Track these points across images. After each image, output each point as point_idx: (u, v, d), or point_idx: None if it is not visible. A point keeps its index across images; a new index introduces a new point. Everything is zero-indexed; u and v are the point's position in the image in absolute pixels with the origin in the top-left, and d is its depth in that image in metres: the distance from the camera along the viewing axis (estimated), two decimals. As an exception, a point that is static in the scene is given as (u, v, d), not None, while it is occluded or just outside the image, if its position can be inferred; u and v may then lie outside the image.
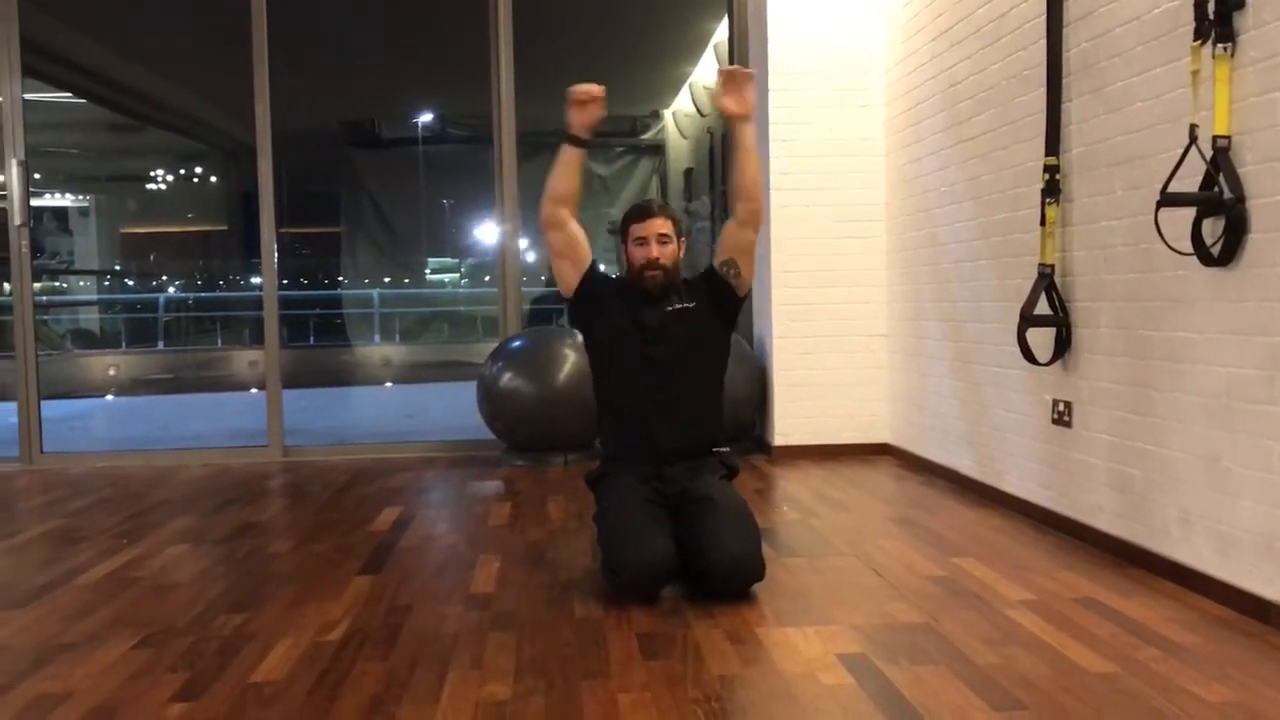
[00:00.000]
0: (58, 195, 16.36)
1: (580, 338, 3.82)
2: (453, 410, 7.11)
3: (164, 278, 17.58)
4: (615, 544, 2.98)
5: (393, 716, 2.19)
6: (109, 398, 12.42)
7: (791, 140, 5.36)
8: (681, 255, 3.26)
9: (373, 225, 13.91)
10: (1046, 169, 3.62)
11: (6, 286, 6.37)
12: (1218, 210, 2.76)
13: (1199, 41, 2.81)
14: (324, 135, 13.09)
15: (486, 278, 15.09)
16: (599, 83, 3.09)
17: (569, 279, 3.25)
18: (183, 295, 17.13)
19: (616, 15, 8.69)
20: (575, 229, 3.22)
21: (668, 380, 3.16)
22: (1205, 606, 2.80)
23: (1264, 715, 2.12)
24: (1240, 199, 2.70)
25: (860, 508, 4.21)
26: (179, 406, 10.66)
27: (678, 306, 3.21)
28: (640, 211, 3.26)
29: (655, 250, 3.17)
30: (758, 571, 2.97)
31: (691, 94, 9.95)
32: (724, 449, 3.27)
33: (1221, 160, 2.74)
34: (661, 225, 3.20)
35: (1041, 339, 3.66)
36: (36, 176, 13.38)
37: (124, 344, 15.40)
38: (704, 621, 2.76)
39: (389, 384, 13.60)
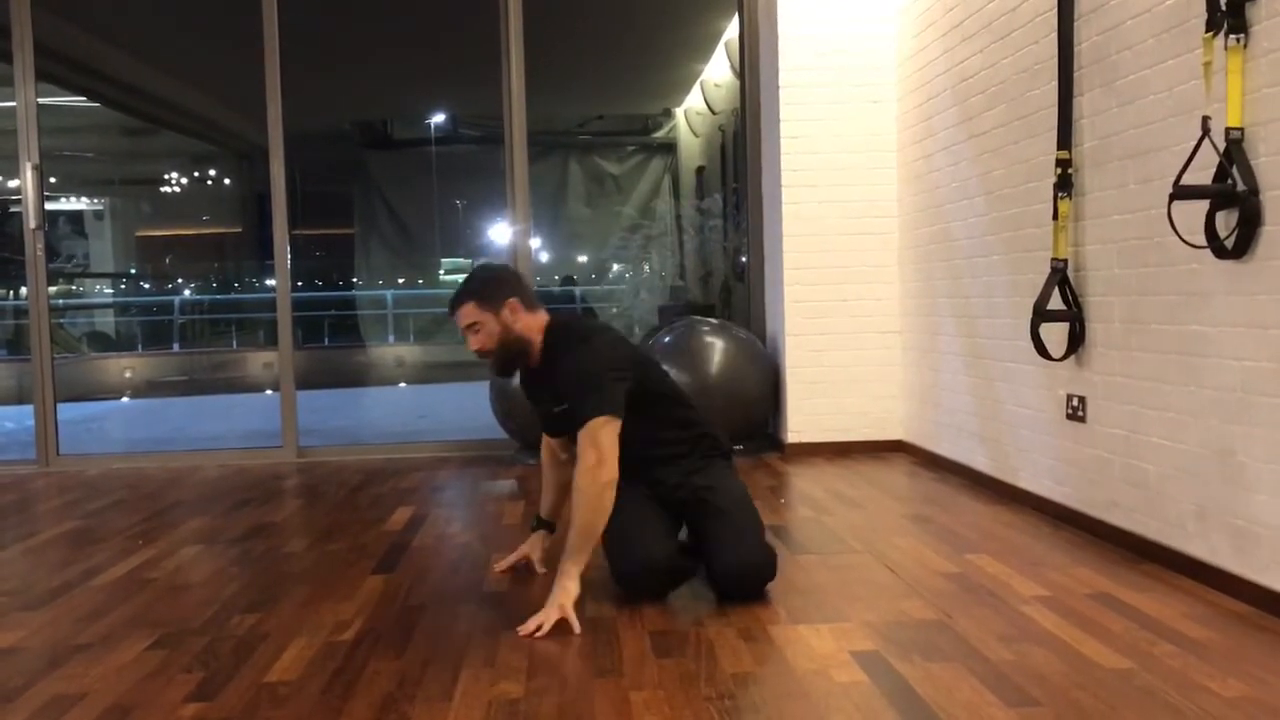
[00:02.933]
0: (73, 199, 16.44)
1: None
2: (466, 410, 7.11)
3: (179, 280, 17.65)
4: (617, 545, 2.95)
5: (406, 715, 2.19)
6: (125, 400, 12.48)
7: (803, 137, 5.35)
8: (513, 324, 2.96)
9: (386, 226, 13.94)
10: (1059, 163, 3.61)
11: (23, 290, 6.41)
12: (1231, 203, 2.74)
13: (1211, 33, 2.80)
14: (336, 136, 13.14)
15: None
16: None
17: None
18: (198, 297, 17.20)
19: (627, 14, 8.67)
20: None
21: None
22: (1221, 602, 2.79)
23: (1281, 711, 2.11)
24: (1254, 191, 2.68)
25: (874, 504, 4.20)
26: (194, 408, 10.71)
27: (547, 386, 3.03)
28: (450, 305, 3.03)
29: (472, 343, 2.99)
30: (769, 573, 2.95)
31: (703, 92, 9.94)
32: (710, 434, 3.15)
33: (1235, 152, 2.72)
34: (465, 317, 2.97)
35: (1055, 334, 3.64)
36: (51, 180, 13.47)
37: (139, 346, 15.48)
38: (717, 619, 2.76)
39: (403, 384, 13.63)
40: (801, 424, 5.37)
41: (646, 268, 11.89)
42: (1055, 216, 3.62)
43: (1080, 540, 3.49)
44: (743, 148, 6.17)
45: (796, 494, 4.50)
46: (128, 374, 13.66)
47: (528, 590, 3.10)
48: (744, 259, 6.44)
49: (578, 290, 13.18)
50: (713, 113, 9.80)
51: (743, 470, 4.75)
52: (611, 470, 2.74)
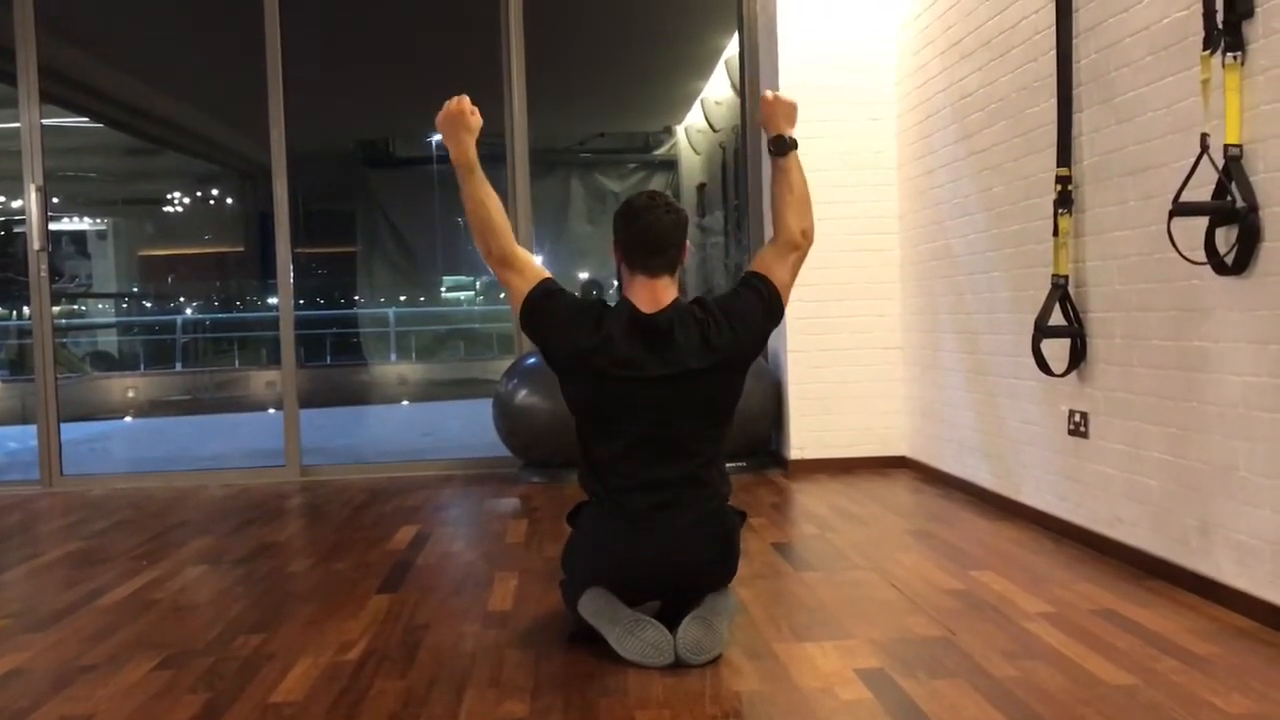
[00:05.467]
0: (76, 219, 16.50)
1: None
2: (469, 428, 7.13)
3: (181, 299, 17.70)
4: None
5: (411, 735, 2.20)
6: (128, 419, 12.50)
7: (803, 154, 5.34)
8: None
9: (388, 244, 13.99)
10: (1059, 180, 3.63)
11: (26, 310, 6.42)
12: (1231, 219, 2.76)
13: (1209, 51, 2.81)
14: (339, 155, 13.19)
15: (501, 294, 15.13)
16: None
17: None
18: (200, 316, 17.24)
19: (627, 32, 8.72)
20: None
21: None
22: (1225, 617, 2.79)
23: (1286, 726, 2.11)
24: (1253, 207, 2.70)
25: (877, 521, 4.20)
26: (197, 427, 10.72)
27: None
28: None
29: None
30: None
31: (704, 109, 9.98)
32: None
33: (1233, 169, 2.74)
34: None
35: (1056, 350, 3.65)
36: (55, 200, 13.53)
37: (142, 366, 15.53)
38: (721, 637, 2.75)
39: (405, 402, 13.65)
40: (804, 440, 5.38)
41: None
42: (1055, 233, 3.63)
43: (1084, 556, 3.49)
44: (744, 165, 6.19)
45: (800, 511, 4.50)
46: (131, 393, 13.70)
47: (533, 610, 3.10)
48: (745, 276, 6.44)
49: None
50: (713, 130, 9.83)
51: (745, 488, 4.77)
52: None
